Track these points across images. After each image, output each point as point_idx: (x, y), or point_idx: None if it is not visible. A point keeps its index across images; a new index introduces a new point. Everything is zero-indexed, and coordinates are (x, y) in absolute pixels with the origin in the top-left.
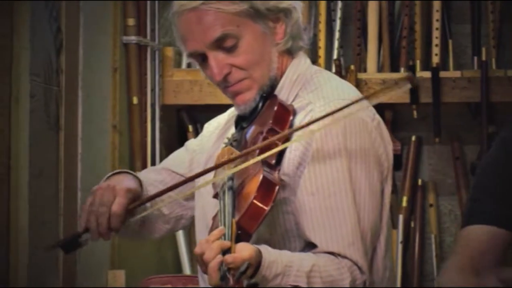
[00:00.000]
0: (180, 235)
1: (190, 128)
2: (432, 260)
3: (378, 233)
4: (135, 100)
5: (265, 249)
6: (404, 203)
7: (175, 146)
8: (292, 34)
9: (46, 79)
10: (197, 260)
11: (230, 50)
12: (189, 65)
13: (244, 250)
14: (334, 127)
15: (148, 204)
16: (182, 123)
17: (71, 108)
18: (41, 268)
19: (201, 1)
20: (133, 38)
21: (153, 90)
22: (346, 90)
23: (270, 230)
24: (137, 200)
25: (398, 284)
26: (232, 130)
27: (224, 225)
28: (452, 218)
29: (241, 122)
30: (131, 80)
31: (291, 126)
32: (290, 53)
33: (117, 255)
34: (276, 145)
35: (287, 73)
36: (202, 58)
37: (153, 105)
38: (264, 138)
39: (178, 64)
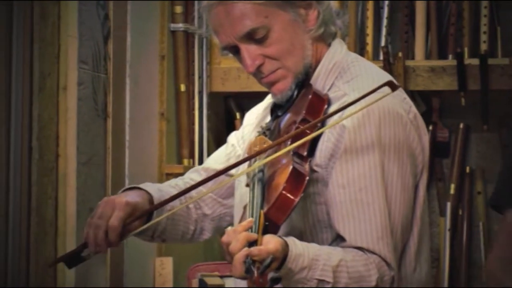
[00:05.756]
0: None
1: (238, 115)
2: (480, 248)
3: (409, 227)
4: (182, 88)
5: (292, 241)
6: (452, 191)
7: (222, 133)
8: (324, 20)
9: (94, 67)
10: (223, 249)
11: (261, 41)
12: None
13: (270, 243)
14: (368, 120)
15: (177, 203)
16: (230, 110)
17: (118, 95)
18: None
19: None
20: (180, 26)
21: (200, 77)
22: (382, 82)
23: (303, 220)
24: (137, 213)
25: (446, 271)
26: (269, 117)
27: (253, 216)
28: None
29: (276, 110)
30: (178, 67)
31: (324, 115)
32: (324, 39)
33: None
34: (307, 135)
35: (323, 61)
36: (235, 50)
37: (200, 93)
38: (297, 129)
39: None
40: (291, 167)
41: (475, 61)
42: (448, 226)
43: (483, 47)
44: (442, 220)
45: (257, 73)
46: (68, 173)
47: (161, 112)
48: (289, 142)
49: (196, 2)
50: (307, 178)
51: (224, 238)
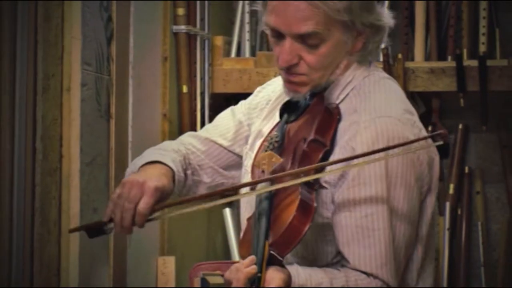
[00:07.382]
0: (229, 221)
1: None
2: (479, 248)
3: (413, 244)
4: (184, 89)
5: (295, 271)
6: (451, 191)
7: None
8: (368, 50)
9: (97, 68)
10: (225, 284)
11: (310, 45)
12: (238, 54)
13: (274, 280)
14: (377, 145)
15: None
16: None
17: (121, 96)
18: (91, 255)
19: None
20: (182, 28)
21: (202, 79)
22: (393, 104)
23: (309, 233)
24: (164, 197)
25: (445, 271)
26: (277, 115)
27: (257, 250)
28: (499, 206)
29: (286, 111)
30: (181, 69)
31: (335, 132)
32: (358, 62)
33: (167, 242)
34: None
35: (344, 73)
36: (278, 35)
37: (202, 94)
38: (304, 152)
39: (227, 53)
40: (299, 198)
41: (474, 63)
42: (447, 226)
43: (482, 48)
44: (441, 220)
45: (283, 67)
46: (71, 174)
47: (164, 113)
48: (296, 167)
49: (198, 3)
50: (315, 206)
51: (227, 275)
